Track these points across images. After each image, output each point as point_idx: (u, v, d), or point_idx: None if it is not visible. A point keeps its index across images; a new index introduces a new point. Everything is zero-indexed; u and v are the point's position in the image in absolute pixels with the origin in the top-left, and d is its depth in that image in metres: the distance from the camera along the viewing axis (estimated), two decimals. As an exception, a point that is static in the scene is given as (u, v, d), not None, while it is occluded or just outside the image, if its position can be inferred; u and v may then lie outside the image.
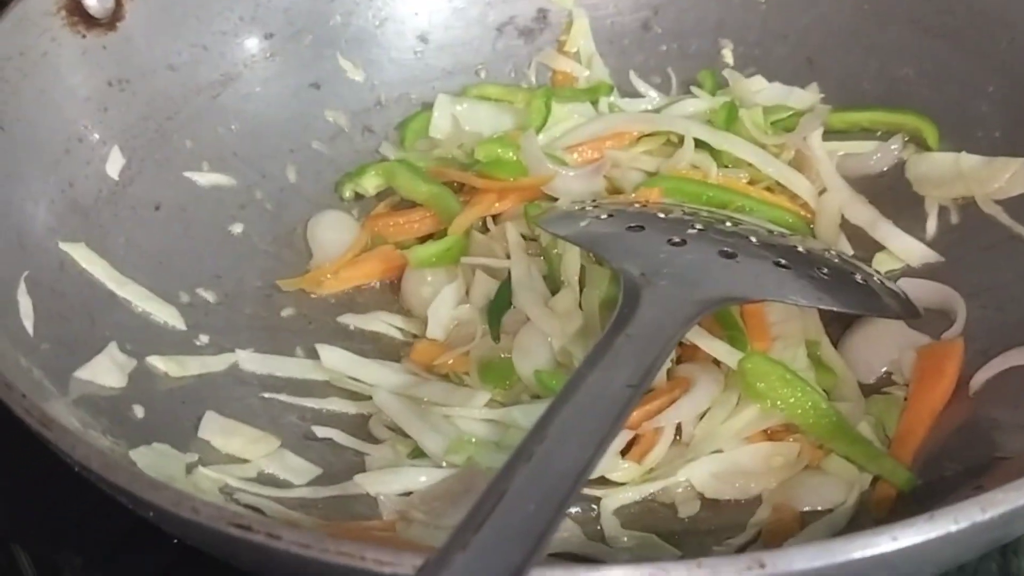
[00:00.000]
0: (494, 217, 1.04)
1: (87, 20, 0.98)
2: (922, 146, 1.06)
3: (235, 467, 0.82)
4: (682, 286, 0.80)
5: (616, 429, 0.65)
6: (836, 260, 0.88)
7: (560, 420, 0.64)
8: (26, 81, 0.93)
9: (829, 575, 0.55)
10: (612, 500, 0.84)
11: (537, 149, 1.06)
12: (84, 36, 0.98)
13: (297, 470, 0.85)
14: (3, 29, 0.93)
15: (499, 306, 0.96)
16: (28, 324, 0.81)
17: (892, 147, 1.06)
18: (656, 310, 0.76)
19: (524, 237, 1.00)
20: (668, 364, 0.89)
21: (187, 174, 1.03)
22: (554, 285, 0.97)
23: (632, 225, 0.88)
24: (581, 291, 0.95)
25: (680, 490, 0.85)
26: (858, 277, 0.87)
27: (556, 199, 1.02)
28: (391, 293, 1.03)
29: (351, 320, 1.00)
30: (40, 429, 0.63)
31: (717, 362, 0.89)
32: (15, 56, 0.93)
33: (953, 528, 0.56)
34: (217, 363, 0.91)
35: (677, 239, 0.85)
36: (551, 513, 0.57)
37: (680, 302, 0.78)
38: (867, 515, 0.80)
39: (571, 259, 0.96)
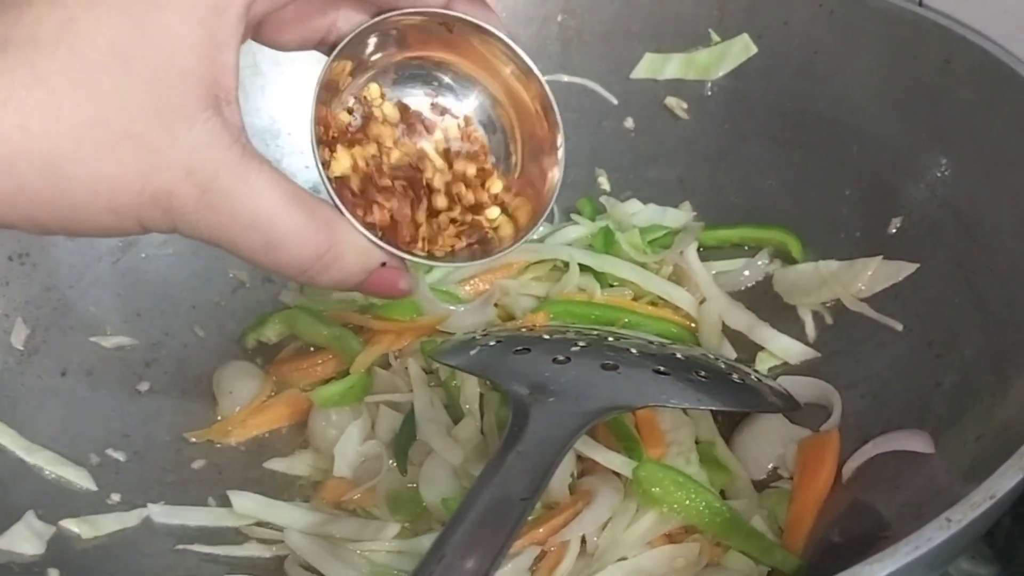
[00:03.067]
0: (395, 353, 1.08)
1: (-16, 199, 1.02)
2: (787, 258, 1.12)
3: (151, 623, 0.84)
4: (567, 400, 0.84)
5: (511, 541, 0.69)
6: (715, 363, 0.94)
7: (457, 537, 0.68)
8: (-74, 262, 0.96)
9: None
10: (520, 619, 0.86)
11: (427, 291, 1.11)
12: (-18, 214, 1.01)
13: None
14: (-99, 214, 0.95)
15: (404, 439, 0.99)
16: (-62, 497, 0.82)
17: (759, 262, 1.13)
18: (544, 425, 0.81)
19: (424, 371, 1.04)
20: (569, 479, 0.93)
21: (92, 339, 1.06)
22: (456, 414, 1.01)
23: (518, 348, 0.92)
24: (483, 417, 0.99)
25: (591, 600, 0.87)
26: (735, 376, 0.92)
27: (452, 333, 1.07)
28: (299, 435, 1.06)
29: (260, 465, 1.02)
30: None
31: (617, 473, 0.93)
32: (-86, 239, 0.96)
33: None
34: (130, 519, 0.93)
35: (561, 357, 0.90)
36: (450, 628, 0.60)
37: (566, 415, 0.82)
38: (766, 606, 0.83)
39: (469, 388, 1.00)
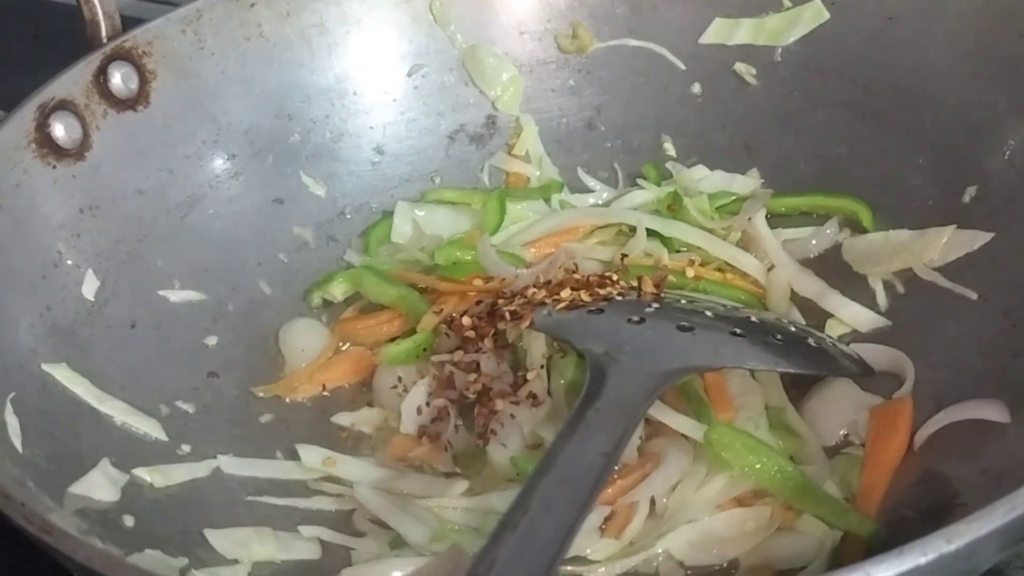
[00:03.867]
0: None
1: (56, 151, 1.02)
2: (856, 227, 1.11)
3: (225, 570, 0.84)
4: (644, 360, 0.84)
5: (595, 496, 0.68)
6: (789, 327, 0.93)
7: (541, 491, 0.68)
8: (1, 212, 0.96)
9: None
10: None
11: (492, 252, 1.10)
12: (54, 167, 1.02)
13: (286, 569, 0.86)
14: (-24, 164, 0.96)
15: (473, 398, 0.99)
16: (17, 442, 0.83)
17: (827, 231, 1.12)
18: (621, 384, 0.80)
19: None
20: (638, 441, 0.93)
21: (160, 292, 1.06)
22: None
23: (592, 309, 0.92)
24: (549, 379, 0.99)
25: (661, 561, 0.87)
26: (811, 341, 0.91)
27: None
28: (363, 392, 1.06)
29: (326, 420, 1.03)
30: (40, 535, 0.65)
31: (686, 436, 0.92)
32: (-11, 189, 0.96)
33: (922, 560, 0.59)
34: (200, 469, 0.94)
35: (636, 318, 0.90)
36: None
37: (643, 375, 0.82)
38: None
39: (536, 349, 0.99)
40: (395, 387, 1.02)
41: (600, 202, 1.21)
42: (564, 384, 0.97)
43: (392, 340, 1.08)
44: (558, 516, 0.66)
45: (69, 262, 1.00)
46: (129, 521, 0.84)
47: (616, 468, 0.91)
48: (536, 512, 0.66)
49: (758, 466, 0.88)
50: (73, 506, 0.82)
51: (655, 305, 0.92)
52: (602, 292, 0.95)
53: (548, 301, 0.96)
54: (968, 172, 1.03)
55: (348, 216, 1.20)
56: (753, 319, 0.91)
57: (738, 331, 0.88)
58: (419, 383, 1.02)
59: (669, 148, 1.23)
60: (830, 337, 0.98)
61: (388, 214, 1.20)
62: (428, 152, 1.24)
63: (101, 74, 1.06)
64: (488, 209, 1.17)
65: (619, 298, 0.94)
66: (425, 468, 0.97)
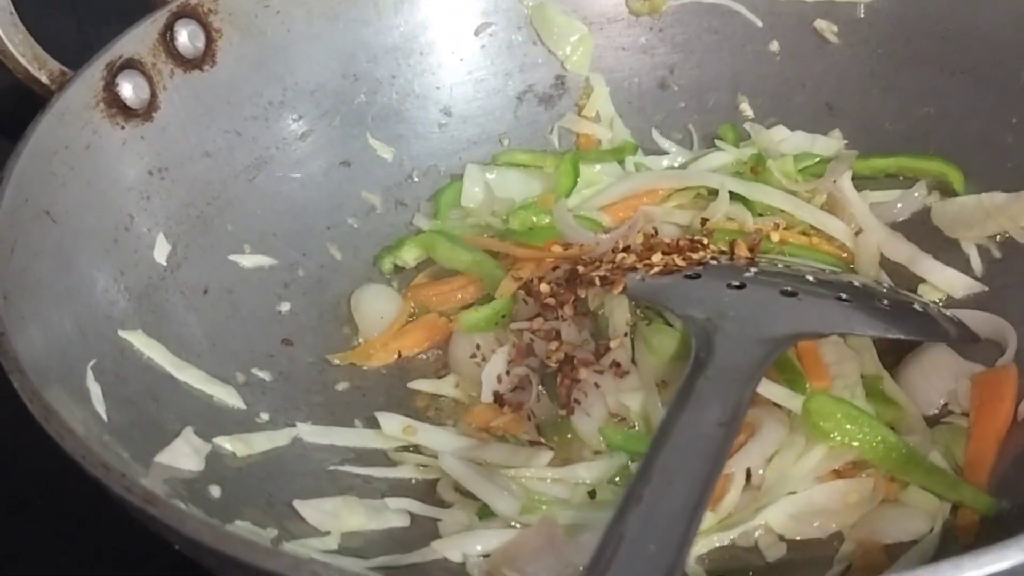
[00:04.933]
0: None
1: (124, 111, 1.00)
2: (946, 190, 1.08)
3: (316, 540, 0.82)
4: (751, 326, 0.81)
5: (718, 467, 0.66)
6: (893, 292, 0.90)
7: (661, 462, 0.65)
8: (72, 173, 0.94)
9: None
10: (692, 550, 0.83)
11: (569, 217, 1.07)
12: (123, 127, 0.99)
13: (375, 540, 0.84)
14: (48, 123, 0.93)
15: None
16: (101, 410, 0.80)
17: (915, 194, 1.08)
18: (730, 352, 0.78)
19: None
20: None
21: (231, 257, 1.04)
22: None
23: (689, 274, 0.89)
24: (633, 347, 0.95)
25: (760, 534, 0.84)
26: (916, 306, 0.88)
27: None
28: (439, 359, 1.03)
29: (403, 388, 1.00)
30: (144, 506, 0.63)
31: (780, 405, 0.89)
32: (60, 150, 0.93)
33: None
34: (281, 438, 0.91)
35: (736, 283, 0.86)
36: (673, 552, 0.58)
37: (752, 342, 0.79)
38: (953, 543, 0.80)
39: (619, 316, 0.96)
40: (474, 356, 0.99)
41: (676, 164, 1.18)
42: (649, 352, 0.94)
43: (467, 307, 1.05)
44: (682, 487, 0.63)
45: (140, 225, 0.98)
46: (216, 491, 0.82)
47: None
48: (659, 484, 0.63)
49: (860, 436, 0.85)
50: (160, 476, 0.79)
51: (753, 270, 0.88)
52: (695, 256, 0.92)
53: (639, 266, 0.93)
54: (1067, 131, 1.00)
55: (416, 180, 1.17)
56: (856, 283, 0.88)
57: (844, 296, 0.85)
58: (498, 351, 0.98)
59: (746, 108, 1.20)
60: (933, 302, 0.94)
61: (456, 177, 1.17)
62: (496, 113, 1.21)
63: (168, 32, 1.04)
64: (561, 172, 1.14)
65: (714, 262, 0.91)
66: (508, 438, 0.94)
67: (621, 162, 1.17)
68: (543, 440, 0.93)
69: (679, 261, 0.92)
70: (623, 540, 0.58)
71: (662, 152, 1.19)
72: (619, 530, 0.59)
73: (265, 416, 0.94)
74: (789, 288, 0.85)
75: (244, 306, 1.02)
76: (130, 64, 1.00)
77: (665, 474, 0.64)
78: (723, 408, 0.71)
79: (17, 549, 0.96)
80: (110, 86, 0.98)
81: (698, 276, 0.88)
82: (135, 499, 0.63)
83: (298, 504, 0.84)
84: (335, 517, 0.85)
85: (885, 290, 0.90)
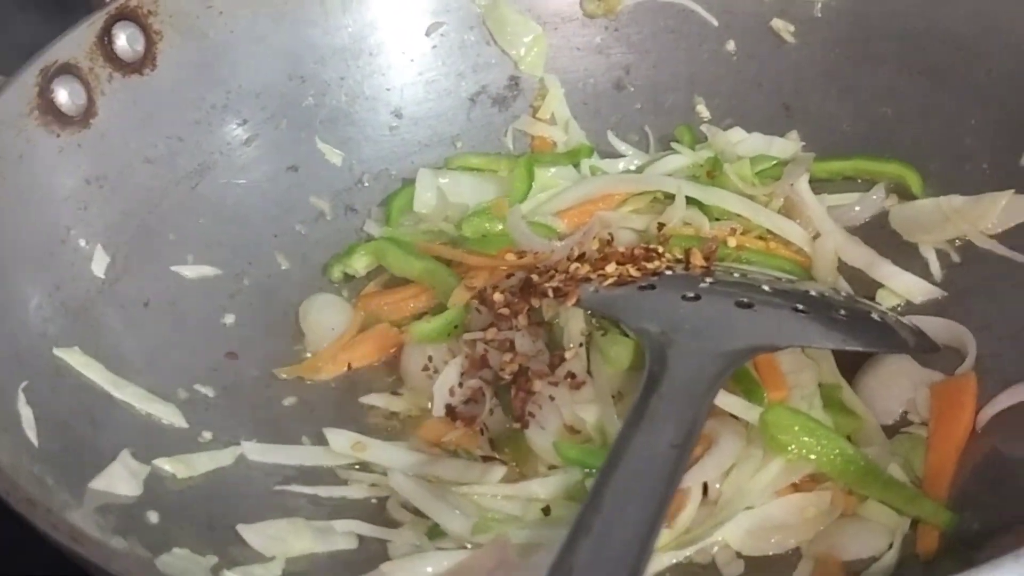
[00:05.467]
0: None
1: (60, 119, 0.96)
2: (904, 194, 1.06)
3: (259, 568, 0.79)
4: (706, 340, 0.79)
5: (670, 491, 0.64)
6: (851, 302, 0.88)
7: (612, 488, 0.63)
8: (5, 185, 0.91)
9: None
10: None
11: (523, 224, 1.05)
12: (58, 135, 0.96)
13: (321, 563, 0.82)
14: (-22, 133, 0.90)
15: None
16: (32, 435, 0.78)
17: (873, 197, 1.07)
18: (684, 368, 0.76)
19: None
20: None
21: (173, 268, 1.01)
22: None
23: (643, 285, 0.87)
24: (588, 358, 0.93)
25: (717, 550, 0.82)
26: (875, 316, 0.86)
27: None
28: (390, 372, 1.01)
29: (352, 403, 0.97)
30: (70, 544, 0.60)
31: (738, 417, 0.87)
32: (-9, 160, 0.90)
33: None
34: (224, 457, 0.89)
35: (691, 294, 0.84)
36: (624, 585, 0.55)
37: (707, 357, 0.77)
38: (913, 559, 0.78)
39: (575, 326, 0.94)
40: (426, 368, 0.97)
41: (632, 167, 1.16)
42: (605, 363, 0.91)
43: (419, 316, 1.02)
44: (634, 515, 0.61)
45: (77, 237, 0.95)
46: (154, 517, 0.79)
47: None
48: (609, 513, 0.61)
49: (818, 449, 0.83)
50: (94, 503, 0.77)
51: (708, 280, 0.86)
52: (650, 266, 0.90)
53: (593, 277, 0.91)
54: (1026, 132, 0.98)
55: (366, 184, 1.15)
56: (813, 293, 0.86)
57: (800, 307, 0.83)
58: (451, 363, 0.96)
59: (703, 110, 1.18)
60: (891, 311, 0.93)
61: (409, 182, 1.14)
62: (449, 115, 1.19)
63: (105, 35, 1.01)
64: (515, 176, 1.11)
65: (669, 272, 0.89)
66: (460, 452, 0.92)
67: (576, 165, 1.15)
68: (496, 455, 0.90)
69: (633, 271, 0.90)
70: (572, 572, 0.56)
71: (618, 155, 1.17)
72: (569, 561, 0.57)
73: (208, 435, 0.91)
74: (745, 299, 0.83)
75: (187, 319, 0.99)
76: (66, 69, 0.97)
77: (616, 501, 0.62)
78: (676, 428, 0.69)
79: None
80: (45, 92, 0.95)
81: (653, 287, 0.86)
82: (61, 536, 0.61)
83: (242, 528, 0.82)
84: (280, 541, 0.82)
85: (843, 299, 0.88)
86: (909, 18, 1.08)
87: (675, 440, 0.67)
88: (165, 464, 0.85)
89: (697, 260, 0.92)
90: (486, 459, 0.90)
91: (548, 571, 0.56)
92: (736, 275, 0.89)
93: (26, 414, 0.79)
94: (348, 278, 1.08)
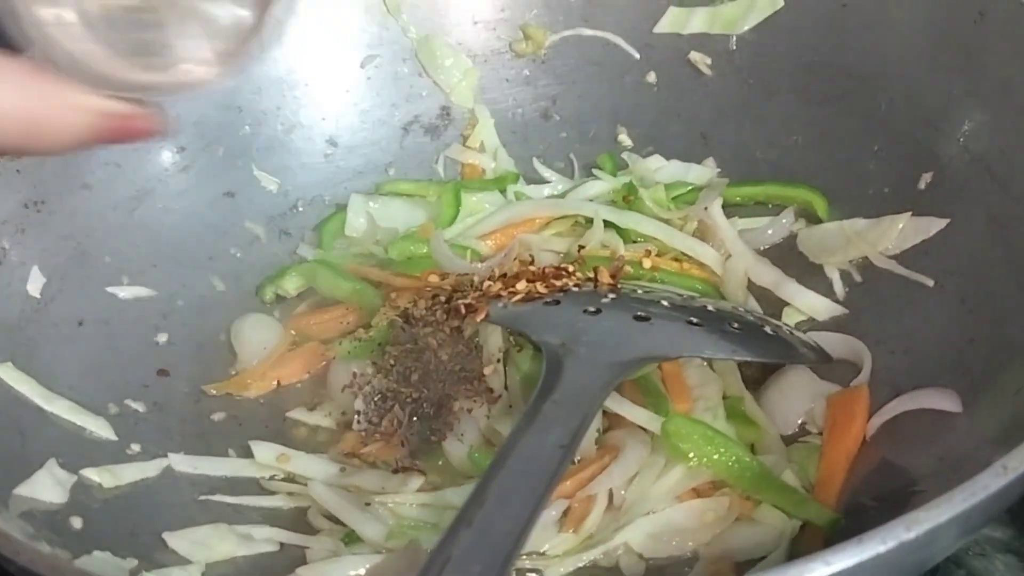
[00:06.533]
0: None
1: (-2, 145, 1.00)
2: (812, 217, 1.11)
3: (177, 570, 0.82)
4: (600, 351, 0.83)
5: (551, 488, 0.67)
6: (745, 315, 0.92)
7: (497, 485, 0.67)
8: (-59, 207, 0.94)
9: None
10: (554, 572, 0.85)
11: (445, 247, 1.10)
12: (-3, 160, 0.99)
13: (242, 568, 0.85)
14: (-84, 158, 0.94)
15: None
16: (-42, 442, 0.81)
17: (783, 220, 1.11)
18: (578, 375, 0.80)
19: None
20: (596, 434, 0.92)
21: (108, 289, 1.04)
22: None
23: (549, 301, 0.91)
24: (506, 373, 0.97)
25: (621, 553, 0.86)
26: (768, 329, 0.91)
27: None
28: (318, 388, 1.04)
29: (279, 418, 1.01)
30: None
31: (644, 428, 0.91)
32: (-72, 184, 0.94)
33: (882, 549, 0.58)
34: (150, 468, 0.92)
35: (592, 308, 0.89)
36: (496, 571, 0.59)
37: (600, 366, 0.81)
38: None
39: (493, 342, 0.98)
40: (350, 384, 1.00)
41: (556, 193, 1.20)
42: (520, 378, 0.96)
43: (347, 335, 1.06)
44: (514, 510, 0.65)
45: (14, 258, 0.98)
46: (77, 523, 0.82)
47: (575, 461, 0.90)
48: (491, 507, 0.65)
49: (716, 456, 0.88)
50: (19, 508, 0.80)
51: (612, 295, 0.91)
52: (558, 284, 0.94)
53: (504, 293, 0.95)
54: (923, 158, 1.03)
55: (301, 209, 1.19)
56: (709, 308, 0.91)
57: (695, 320, 0.87)
58: (373, 379, 1.00)
59: (625, 138, 1.23)
60: (787, 325, 0.98)
61: (342, 207, 1.18)
62: (382, 144, 1.23)
63: (44, 65, 1.04)
64: (443, 201, 1.16)
65: (576, 289, 0.93)
66: (379, 464, 0.96)
67: (503, 191, 1.19)
68: (416, 465, 0.94)
69: (541, 288, 0.94)
70: (450, 561, 0.60)
71: (544, 181, 1.21)
72: (448, 551, 0.61)
73: (136, 447, 0.94)
74: (642, 313, 0.87)
75: (120, 337, 1.02)
76: (4, 98, 1.00)
77: (499, 496, 0.65)
78: (565, 431, 0.73)
79: None
80: (-18, 119, 0.98)
81: (558, 302, 0.91)
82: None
83: (167, 536, 0.85)
84: (204, 546, 0.86)
85: (738, 314, 0.93)
86: (814, 53, 1.12)
87: (562, 441, 0.71)
88: (92, 474, 0.88)
89: (604, 278, 0.96)
90: (404, 470, 0.94)
91: (428, 558, 0.60)
92: (640, 291, 0.94)
93: (-47, 422, 0.82)
94: (280, 299, 1.12)
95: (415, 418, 0.96)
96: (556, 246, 1.12)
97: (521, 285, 0.94)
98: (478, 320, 0.93)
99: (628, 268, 1.03)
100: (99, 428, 0.93)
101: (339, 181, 1.21)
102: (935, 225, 1.00)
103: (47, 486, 0.83)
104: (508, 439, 0.71)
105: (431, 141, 1.24)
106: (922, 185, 1.03)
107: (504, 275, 1.02)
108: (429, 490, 0.92)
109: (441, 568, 0.59)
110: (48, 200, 1.02)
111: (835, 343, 0.98)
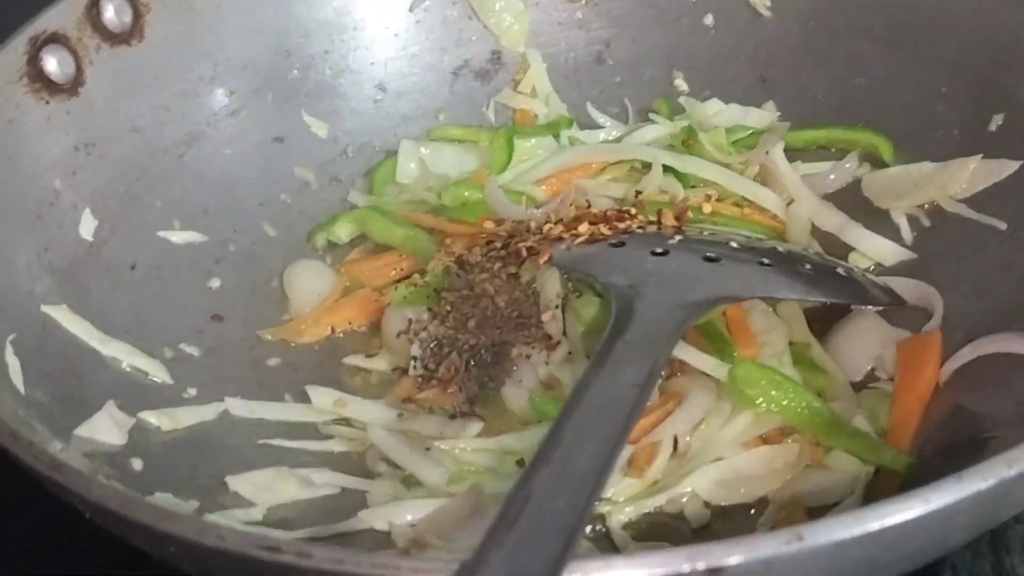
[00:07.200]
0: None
1: (49, 86, 0.98)
2: (877, 161, 1.08)
3: (239, 511, 0.81)
4: (671, 292, 0.81)
5: (629, 428, 0.65)
6: (816, 256, 0.90)
7: (573, 423, 0.65)
8: (-6, 148, 0.93)
9: (864, 545, 0.55)
10: (619, 516, 0.84)
11: (500, 193, 1.08)
12: (47, 102, 0.98)
13: (302, 511, 0.84)
14: (-32, 99, 0.92)
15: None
16: (19, 383, 0.80)
17: (847, 165, 1.08)
18: (650, 316, 0.78)
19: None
20: (659, 380, 0.90)
21: (160, 233, 1.03)
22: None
23: (614, 243, 0.89)
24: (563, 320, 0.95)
25: (685, 500, 0.85)
26: (840, 270, 0.88)
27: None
28: (372, 335, 1.03)
29: (335, 364, 1.00)
30: (51, 473, 0.62)
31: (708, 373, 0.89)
32: (-20, 125, 0.92)
33: (983, 486, 0.56)
34: (207, 412, 0.91)
35: (659, 250, 0.87)
36: (580, 507, 0.58)
37: (671, 307, 0.79)
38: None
39: (551, 287, 0.96)
40: (405, 330, 0.99)
41: (611, 138, 1.17)
42: (580, 325, 0.94)
43: (400, 281, 1.04)
44: (593, 448, 0.63)
45: (66, 201, 0.97)
46: (137, 464, 0.82)
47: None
48: (570, 445, 0.63)
49: (784, 402, 0.85)
50: (80, 448, 0.79)
51: (678, 237, 0.89)
52: (621, 225, 0.92)
53: (566, 236, 0.93)
54: (994, 99, 1.00)
55: (351, 155, 1.17)
56: (780, 249, 0.89)
57: (766, 261, 0.85)
58: (429, 325, 0.98)
59: (681, 82, 1.20)
60: (858, 268, 0.95)
61: (392, 153, 1.16)
62: (431, 89, 1.21)
63: (94, 6, 1.02)
64: (495, 147, 1.14)
65: (640, 231, 0.91)
66: (436, 409, 0.94)
67: (556, 136, 1.17)
68: (474, 411, 0.92)
69: (605, 230, 0.92)
70: (531, 498, 0.58)
71: (597, 126, 1.19)
72: (527, 489, 0.59)
73: (192, 391, 0.93)
74: (711, 254, 0.85)
75: (173, 282, 1.01)
76: (54, 39, 0.99)
77: (576, 434, 0.63)
78: (639, 370, 0.71)
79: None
80: (34, 61, 0.97)
81: (623, 244, 0.88)
82: (42, 467, 0.63)
83: (230, 479, 0.84)
84: (267, 489, 0.85)
85: (810, 255, 0.90)
86: (879, -10, 1.10)
87: (637, 380, 0.69)
88: (150, 416, 0.87)
89: (668, 220, 0.94)
90: (463, 415, 0.92)
91: (507, 496, 0.58)
92: (706, 233, 0.92)
93: (13, 364, 0.81)
94: (332, 245, 1.10)
95: (472, 364, 0.95)
96: (613, 191, 1.09)
97: (583, 227, 0.92)
98: (541, 262, 0.91)
99: (689, 213, 1.01)
100: (156, 371, 0.92)
101: (389, 127, 1.18)
102: (1007, 168, 0.97)
103: (107, 427, 0.82)
104: (582, 378, 0.69)
105: (481, 86, 1.22)
106: (993, 127, 1.00)
107: (561, 219, 1.00)
108: (488, 435, 0.90)
109: (523, 504, 0.57)
110: (98, 143, 1.01)
111: (904, 288, 0.96)
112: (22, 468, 0.66)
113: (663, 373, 0.90)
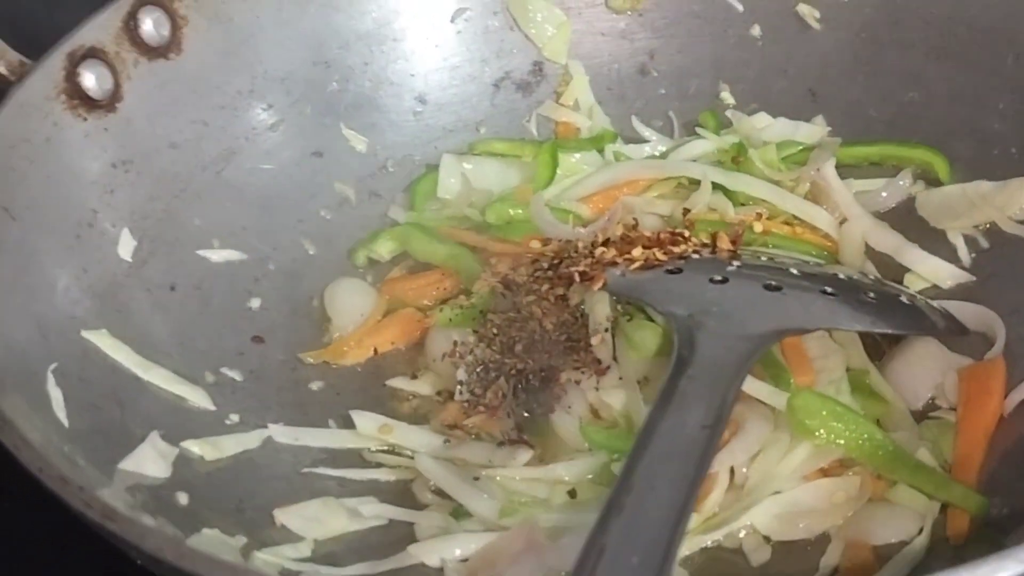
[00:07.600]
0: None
1: (87, 102, 0.97)
2: (931, 179, 1.05)
3: (288, 547, 0.79)
4: (733, 323, 0.79)
5: (702, 471, 0.64)
6: (880, 285, 0.87)
7: (643, 468, 0.63)
8: (32, 168, 0.91)
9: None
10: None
11: (546, 211, 1.05)
12: (85, 119, 0.96)
13: (350, 544, 0.82)
14: (6, 116, 0.91)
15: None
16: (62, 415, 0.78)
17: (900, 183, 1.06)
18: (713, 350, 0.75)
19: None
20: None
21: (199, 252, 1.01)
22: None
23: (670, 269, 0.86)
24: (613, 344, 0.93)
25: (744, 535, 0.82)
26: (903, 298, 0.86)
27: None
28: (415, 356, 1.00)
29: (378, 387, 0.97)
30: (103, 521, 0.60)
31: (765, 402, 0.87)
32: (19, 143, 0.91)
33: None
34: (251, 440, 0.89)
35: (718, 277, 0.84)
36: (658, 563, 0.55)
37: (736, 339, 0.77)
38: (943, 544, 0.78)
39: (600, 311, 0.93)
40: (451, 352, 0.96)
41: (656, 153, 1.15)
42: (630, 349, 0.91)
43: (443, 301, 1.02)
44: (665, 495, 0.61)
45: (104, 221, 0.95)
46: (183, 498, 0.80)
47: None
48: (640, 492, 0.61)
49: (845, 434, 0.83)
50: (124, 483, 0.77)
51: (736, 263, 0.86)
52: (677, 250, 0.90)
53: (620, 261, 0.90)
54: (1054, 117, 0.98)
55: (391, 170, 1.14)
56: (842, 276, 0.86)
57: (829, 290, 0.82)
58: (476, 348, 0.96)
59: (727, 95, 1.17)
60: (919, 294, 0.92)
61: (432, 167, 1.14)
62: (472, 101, 1.18)
63: (131, 20, 1.00)
64: (540, 162, 1.11)
65: (696, 256, 0.89)
66: (483, 436, 0.92)
67: (601, 151, 1.14)
68: (523, 438, 0.90)
69: (660, 255, 0.89)
70: (604, 551, 0.56)
71: (642, 140, 1.17)
72: (601, 541, 0.57)
73: (235, 417, 0.91)
74: (773, 282, 0.83)
75: (213, 302, 0.99)
76: (92, 54, 0.97)
77: (647, 481, 0.61)
78: (707, 409, 0.68)
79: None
80: (72, 76, 0.95)
81: (679, 271, 0.86)
82: (94, 514, 0.61)
83: (278, 513, 0.82)
84: (316, 522, 0.83)
85: (871, 282, 0.88)
86: (932, 5, 1.07)
87: (705, 421, 0.67)
88: (193, 446, 0.86)
89: (724, 244, 0.92)
90: (511, 443, 0.90)
91: (581, 550, 0.56)
92: (764, 258, 0.89)
93: (56, 395, 0.79)
94: (373, 263, 1.08)
95: (520, 390, 0.92)
96: (660, 209, 1.07)
97: (637, 252, 0.90)
98: (595, 289, 0.89)
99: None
100: (197, 398, 0.90)
101: (429, 140, 1.16)
102: (1068, 188, 0.94)
103: (151, 459, 0.81)
104: (648, 419, 0.67)
105: (523, 98, 1.19)
106: (1052, 145, 0.97)
107: (607, 240, 0.97)
108: (537, 464, 0.88)
109: (597, 560, 0.55)
110: (136, 160, 1.00)
111: (964, 313, 0.93)
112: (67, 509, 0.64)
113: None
